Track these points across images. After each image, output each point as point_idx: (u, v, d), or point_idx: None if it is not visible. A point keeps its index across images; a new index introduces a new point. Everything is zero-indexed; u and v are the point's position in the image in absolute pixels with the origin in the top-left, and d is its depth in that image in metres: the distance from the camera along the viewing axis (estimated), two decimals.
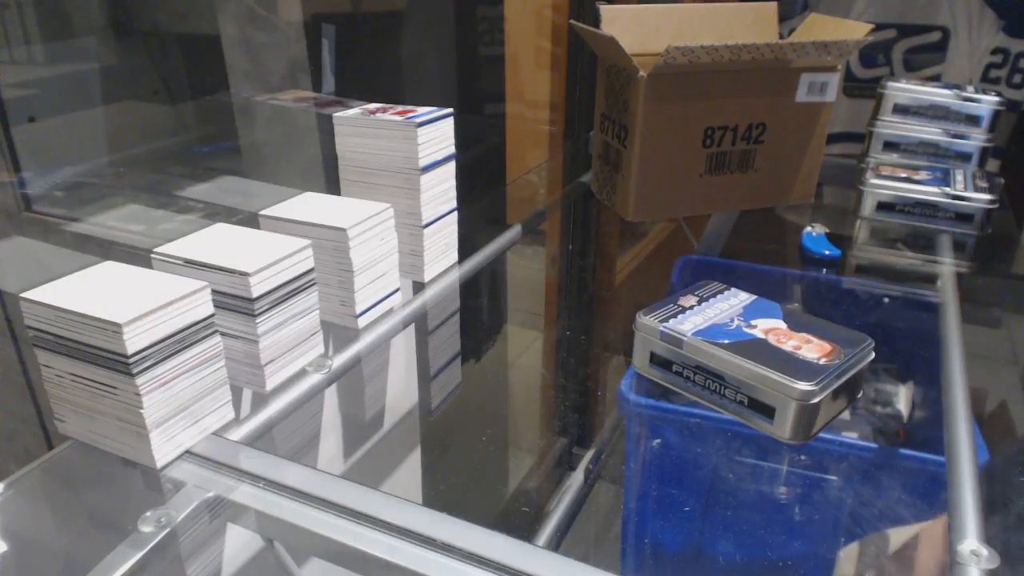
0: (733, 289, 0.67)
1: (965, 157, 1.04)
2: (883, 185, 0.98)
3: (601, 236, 1.59)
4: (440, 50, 1.31)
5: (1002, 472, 0.66)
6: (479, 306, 1.05)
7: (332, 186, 0.79)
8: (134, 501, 0.51)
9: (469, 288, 0.86)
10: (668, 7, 1.04)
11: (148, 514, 0.48)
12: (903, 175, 0.99)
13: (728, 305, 0.64)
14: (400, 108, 0.76)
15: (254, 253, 0.58)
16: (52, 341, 0.51)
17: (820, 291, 0.97)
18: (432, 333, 0.84)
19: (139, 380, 0.49)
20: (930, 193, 0.96)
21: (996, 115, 1.02)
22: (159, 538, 0.47)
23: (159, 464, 0.52)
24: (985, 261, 0.96)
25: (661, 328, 0.60)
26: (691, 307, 0.63)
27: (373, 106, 0.78)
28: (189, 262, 0.58)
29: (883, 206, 0.98)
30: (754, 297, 0.66)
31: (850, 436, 0.78)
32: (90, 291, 0.51)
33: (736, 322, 0.61)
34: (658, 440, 0.83)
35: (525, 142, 1.59)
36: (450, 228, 0.82)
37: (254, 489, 0.51)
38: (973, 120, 1.03)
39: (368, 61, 1.14)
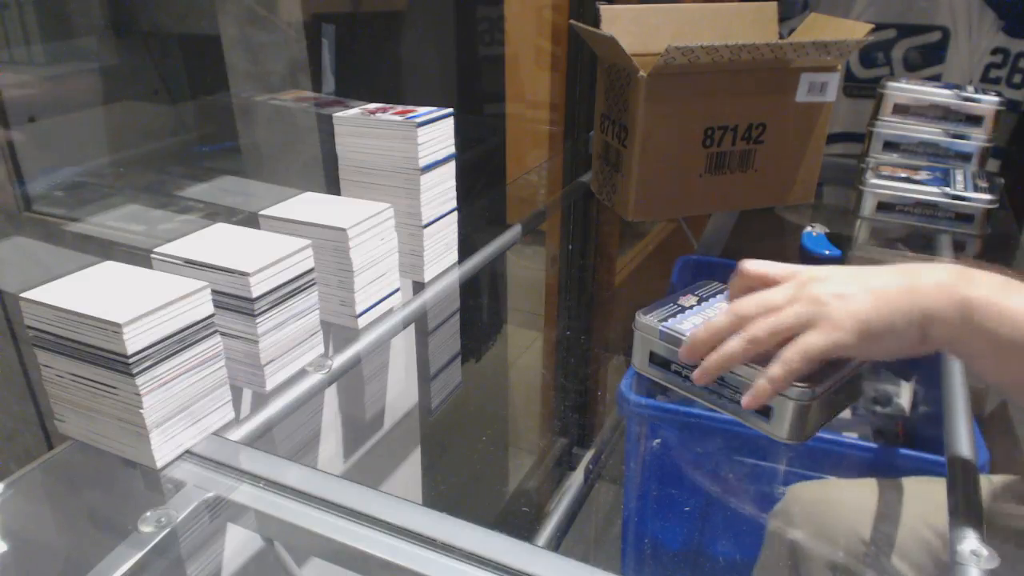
0: None
1: (965, 157, 1.04)
2: (883, 185, 0.98)
3: (601, 236, 1.59)
4: (440, 50, 1.31)
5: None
6: (479, 306, 1.05)
7: (332, 186, 0.79)
8: (134, 501, 0.51)
9: (469, 288, 0.86)
10: (668, 7, 1.04)
11: (148, 514, 0.48)
12: (903, 175, 0.99)
13: (727, 305, 0.64)
14: (400, 108, 0.76)
15: (254, 253, 0.58)
16: (52, 341, 0.51)
17: None
18: (432, 333, 0.84)
19: (139, 380, 0.49)
20: (930, 193, 0.96)
21: (996, 115, 1.02)
22: (159, 538, 0.47)
23: (159, 464, 0.52)
24: (985, 261, 0.96)
25: (660, 327, 0.60)
26: (691, 307, 0.63)
27: (373, 106, 0.78)
28: (189, 262, 0.58)
29: (883, 206, 0.98)
30: None
31: (850, 436, 0.78)
32: (90, 291, 0.51)
33: None
34: (658, 440, 0.83)
35: (525, 142, 1.59)
36: (450, 228, 0.82)
37: (254, 489, 0.51)
38: (973, 120, 1.03)
39: (368, 61, 1.14)
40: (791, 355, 0.51)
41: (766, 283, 0.55)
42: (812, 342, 0.50)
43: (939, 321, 0.49)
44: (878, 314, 0.50)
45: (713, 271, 1.10)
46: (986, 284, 0.48)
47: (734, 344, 0.53)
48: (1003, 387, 0.52)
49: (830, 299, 0.51)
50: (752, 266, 0.57)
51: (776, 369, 0.51)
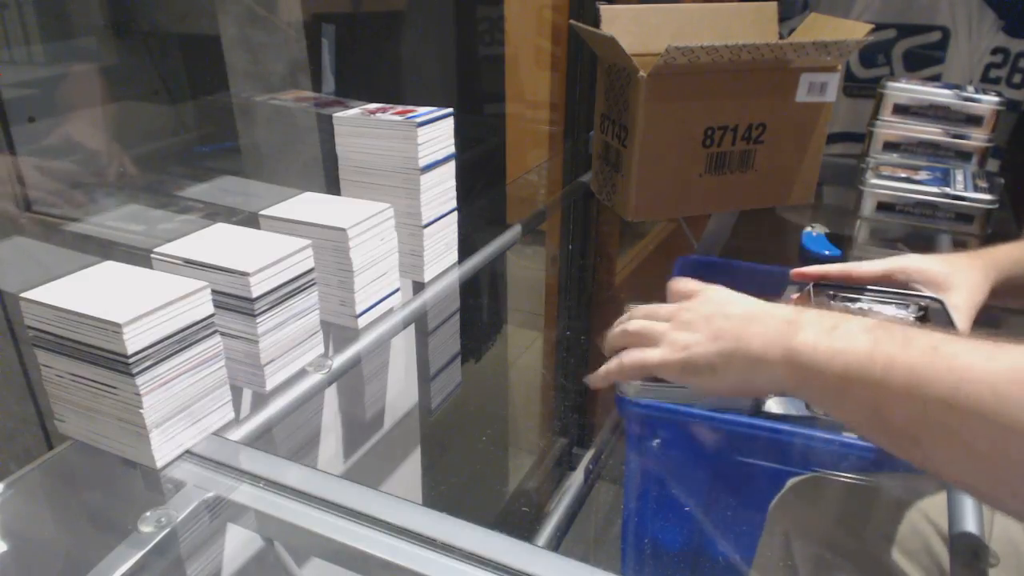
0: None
1: (965, 157, 1.04)
2: (883, 185, 0.98)
3: (601, 236, 1.59)
4: (440, 50, 1.31)
5: None
6: (479, 306, 1.05)
7: (332, 186, 0.79)
8: (134, 501, 0.51)
9: (469, 288, 0.86)
10: (668, 7, 1.04)
11: (148, 514, 0.48)
12: (903, 175, 0.99)
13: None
14: (400, 108, 0.76)
15: (254, 253, 0.58)
16: (52, 341, 0.51)
17: None
18: (432, 333, 0.84)
19: (139, 380, 0.49)
20: (930, 193, 0.96)
21: (996, 115, 1.02)
22: (159, 538, 0.47)
23: (159, 464, 0.52)
24: None
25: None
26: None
27: (373, 106, 0.78)
28: (189, 262, 0.58)
29: (883, 206, 0.98)
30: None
31: (850, 436, 0.78)
32: (90, 291, 0.51)
33: None
34: (658, 440, 0.83)
35: (525, 142, 1.59)
36: (450, 228, 0.82)
37: (254, 489, 0.51)
38: (973, 120, 1.03)
39: (368, 61, 1.14)
40: (631, 359, 0.55)
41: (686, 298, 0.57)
42: (648, 357, 0.54)
43: (765, 370, 0.48)
44: (703, 351, 0.51)
45: (713, 271, 1.10)
46: (814, 329, 0.46)
47: (613, 332, 0.58)
48: (851, 428, 0.53)
49: (685, 324, 0.53)
50: (676, 285, 0.59)
51: (615, 363, 0.56)
